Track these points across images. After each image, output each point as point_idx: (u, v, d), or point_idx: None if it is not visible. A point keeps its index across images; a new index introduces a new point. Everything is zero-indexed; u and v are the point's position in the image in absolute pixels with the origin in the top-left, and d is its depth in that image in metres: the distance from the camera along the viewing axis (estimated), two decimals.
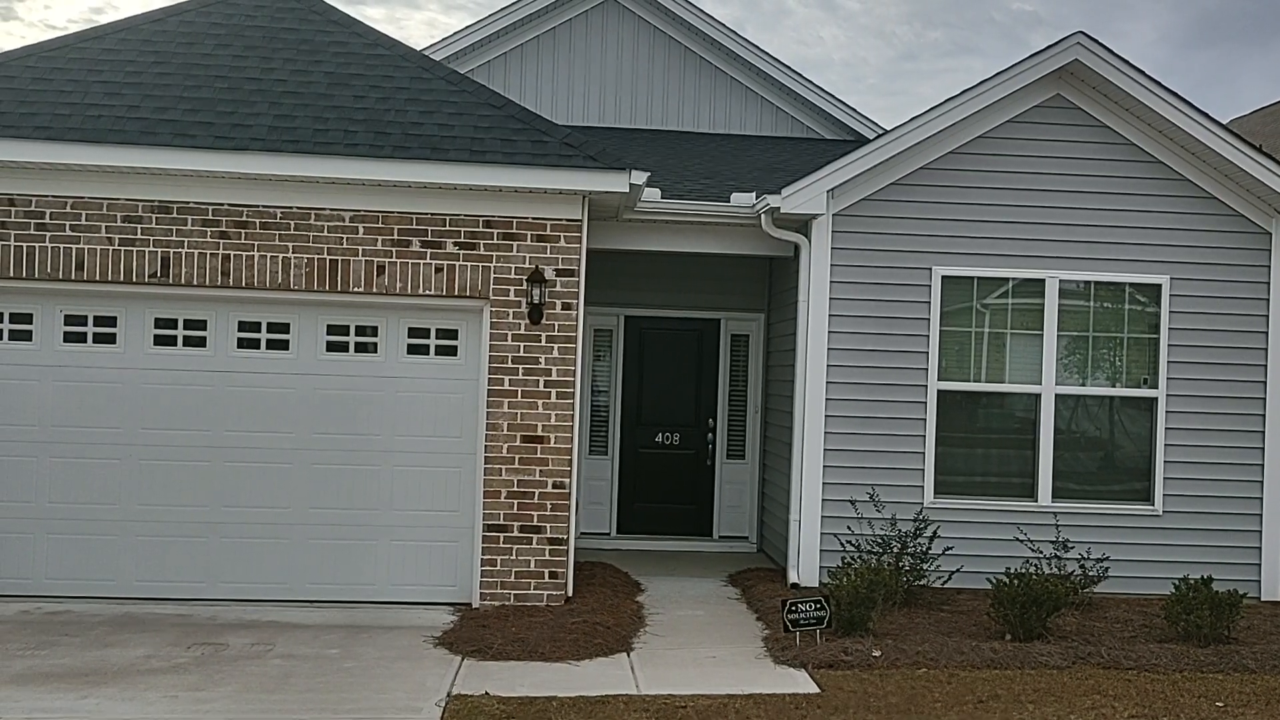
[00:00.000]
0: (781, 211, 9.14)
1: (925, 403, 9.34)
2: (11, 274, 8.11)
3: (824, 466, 9.29)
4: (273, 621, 7.79)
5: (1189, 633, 7.68)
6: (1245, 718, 6.32)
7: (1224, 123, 9.50)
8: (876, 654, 7.19)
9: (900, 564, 8.61)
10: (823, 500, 9.26)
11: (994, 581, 7.92)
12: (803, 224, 9.39)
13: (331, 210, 8.33)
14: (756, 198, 9.43)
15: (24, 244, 8.12)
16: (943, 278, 9.37)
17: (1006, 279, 9.46)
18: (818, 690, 6.60)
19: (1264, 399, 9.43)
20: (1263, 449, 9.41)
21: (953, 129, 9.30)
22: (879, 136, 9.73)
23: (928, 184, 9.42)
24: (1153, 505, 9.44)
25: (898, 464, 9.33)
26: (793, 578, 9.26)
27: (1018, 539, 9.10)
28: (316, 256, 8.31)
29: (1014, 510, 9.34)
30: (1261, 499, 9.41)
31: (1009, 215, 9.43)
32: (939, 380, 9.37)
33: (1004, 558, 8.82)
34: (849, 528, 9.08)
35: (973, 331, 9.47)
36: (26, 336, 8.32)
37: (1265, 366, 9.44)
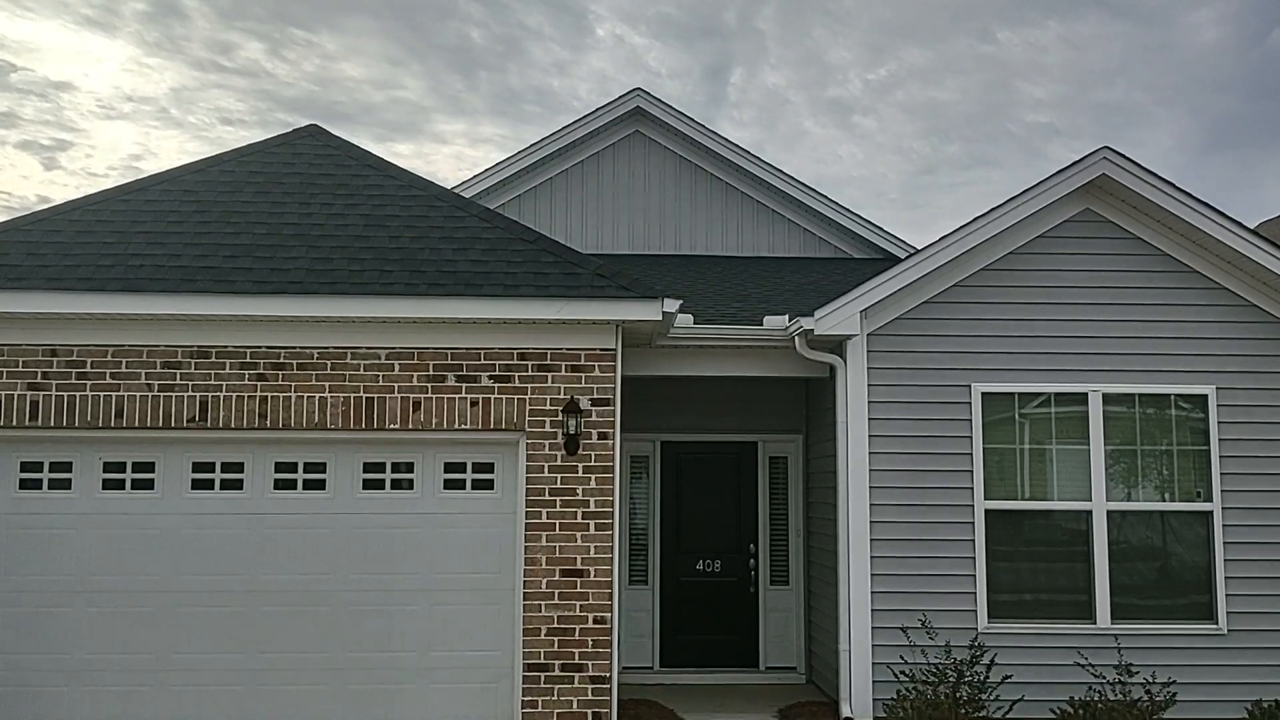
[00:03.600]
0: (815, 333, 9.11)
1: (973, 523, 9.11)
2: (53, 423, 8.18)
3: (872, 592, 9.02)
4: None
5: None
6: None
7: (1252, 229, 9.44)
8: None
9: (958, 694, 8.26)
10: (873, 628, 8.97)
11: (1057, 711, 7.57)
12: (837, 344, 9.35)
13: (367, 349, 8.39)
14: (789, 320, 9.42)
15: (65, 393, 8.21)
16: (983, 394, 9.25)
17: (1048, 393, 9.32)
18: None
19: None
20: None
21: (983, 246, 9.30)
22: (910, 256, 9.74)
23: (962, 300, 9.38)
24: (1216, 624, 9.07)
25: (948, 588, 9.05)
26: (845, 711, 8.90)
27: (1078, 664, 8.73)
28: (353, 395, 8.33)
29: (1072, 634, 8.99)
30: None
31: (1046, 330, 9.35)
32: (985, 499, 9.15)
33: (1066, 685, 8.47)
34: (902, 656, 8.76)
35: (1017, 448, 9.29)
36: (66, 485, 8.33)
37: None
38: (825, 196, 13.33)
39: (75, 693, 8.13)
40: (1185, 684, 8.69)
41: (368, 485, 8.47)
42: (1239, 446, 9.22)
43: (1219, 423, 9.24)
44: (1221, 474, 9.19)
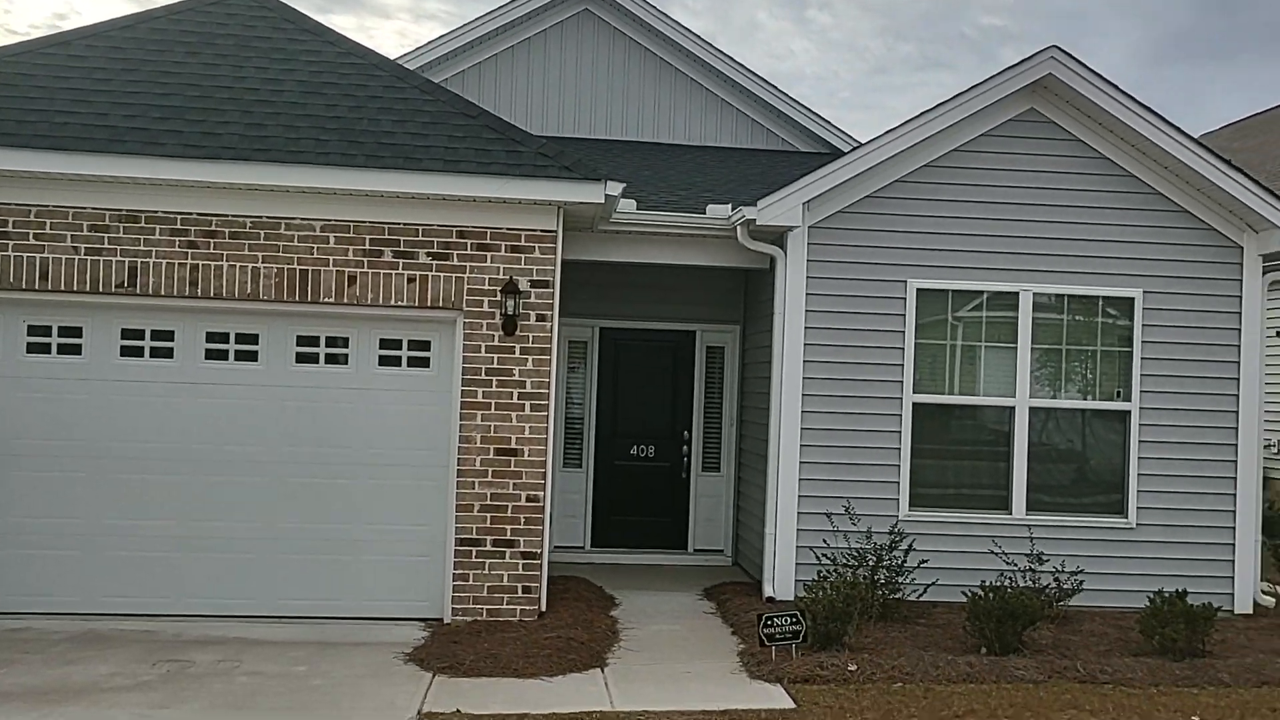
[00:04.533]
0: (757, 224, 9.11)
1: (900, 415, 9.33)
2: None
3: (799, 479, 9.24)
4: (240, 638, 7.64)
5: (1164, 646, 7.67)
6: None
7: (1195, 137, 9.56)
8: (852, 668, 7.13)
9: (876, 577, 8.57)
10: (798, 514, 9.22)
11: (969, 595, 7.89)
12: (778, 236, 9.37)
13: (302, 220, 8.22)
14: (732, 210, 9.40)
15: None
16: (918, 290, 9.37)
17: (981, 291, 9.47)
18: (793, 705, 6.53)
19: (1236, 412, 9.47)
20: (1235, 462, 9.45)
21: (927, 142, 9.31)
22: (854, 150, 9.73)
23: (903, 197, 9.42)
24: (1126, 519, 9.46)
25: (873, 477, 9.30)
26: (768, 591, 9.20)
27: (993, 552, 9.09)
28: (287, 266, 8.20)
29: (989, 523, 9.33)
30: (1234, 511, 9.44)
31: (983, 229, 9.45)
32: (914, 393, 9.36)
33: (979, 570, 8.81)
34: (825, 541, 9.04)
35: (948, 344, 9.47)
36: None
37: (1237, 380, 9.49)
38: (776, 88, 13.20)
39: (3, 555, 8.09)
40: (1094, 574, 9.12)
41: (301, 359, 8.41)
42: (1160, 349, 9.49)
43: (1143, 325, 9.48)
44: (1142, 375, 9.47)
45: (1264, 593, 9.57)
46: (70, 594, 8.10)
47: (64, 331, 8.21)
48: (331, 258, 8.24)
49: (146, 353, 8.28)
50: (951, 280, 9.41)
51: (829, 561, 8.72)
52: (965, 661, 7.34)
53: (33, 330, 8.19)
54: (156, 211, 8.10)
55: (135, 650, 7.25)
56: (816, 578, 8.25)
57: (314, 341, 8.41)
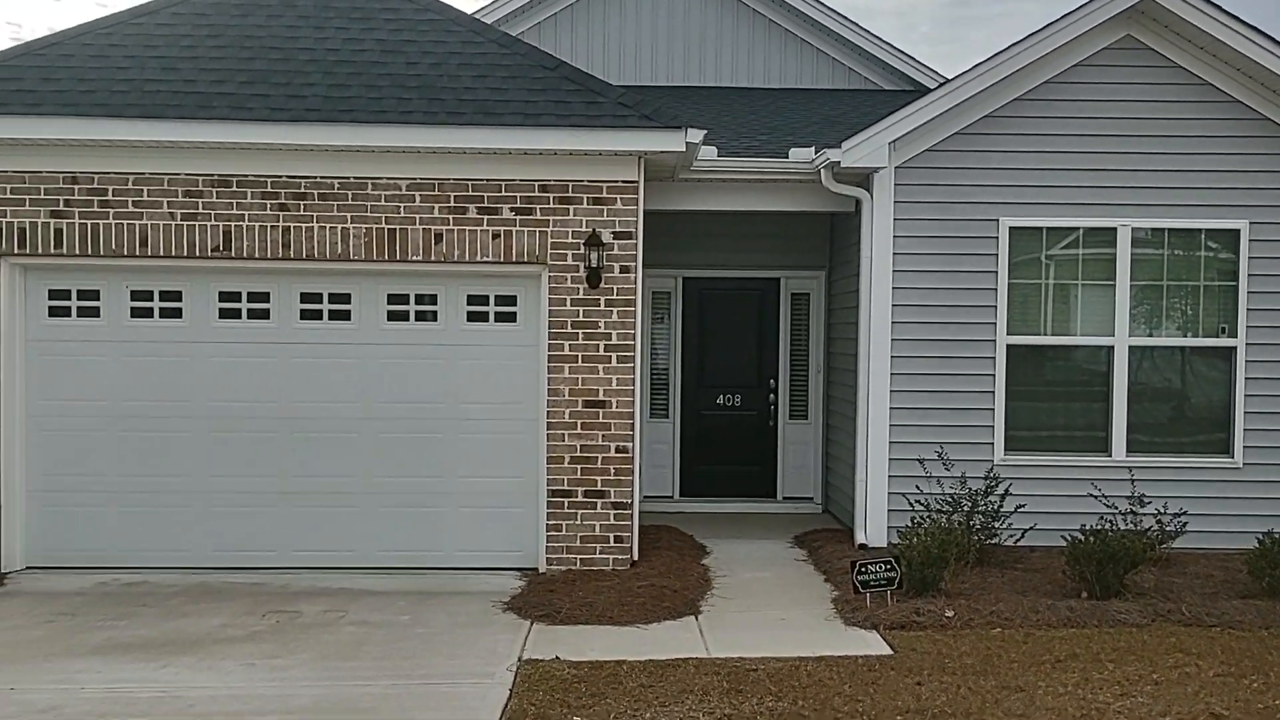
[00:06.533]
0: (842, 166, 8.93)
1: (994, 358, 9.13)
2: (77, 251, 8.21)
3: (890, 425, 9.13)
4: (344, 589, 7.87)
5: (1274, 588, 7.45)
6: None
7: None
8: (950, 614, 7.07)
9: (971, 522, 8.45)
10: (889, 459, 9.12)
11: (1068, 539, 7.75)
12: (864, 178, 9.18)
13: (388, 179, 8.31)
14: (816, 152, 9.23)
15: (88, 221, 8.21)
16: (1010, 229, 9.12)
17: (1076, 228, 9.18)
18: (890, 652, 6.51)
19: None
20: None
21: (1018, 75, 9.00)
22: (941, 85, 9.45)
23: (993, 133, 9.14)
24: (1232, 458, 9.16)
25: (966, 421, 9.14)
26: (860, 538, 9.15)
27: (1092, 495, 8.89)
28: (375, 226, 8.30)
29: (1087, 465, 9.12)
30: None
31: (1079, 163, 9.13)
32: (1008, 334, 9.14)
33: (1078, 514, 8.63)
34: (917, 487, 8.94)
35: (1042, 283, 9.21)
36: (94, 313, 8.44)
37: None
38: (856, 24, 12.87)
39: (112, 514, 8.44)
40: (1197, 515, 8.87)
41: (392, 316, 8.54)
42: (1267, 283, 9.11)
43: (1249, 258, 9.11)
44: (1248, 310, 9.11)
45: None
46: (181, 549, 8.43)
47: (164, 296, 8.46)
48: (418, 216, 8.31)
49: (244, 314, 8.49)
50: (1046, 217, 9.13)
51: (922, 507, 8.63)
52: (1065, 606, 7.23)
53: (135, 295, 8.45)
54: (247, 175, 8.25)
55: (245, 602, 7.52)
56: (910, 524, 8.16)
57: (403, 299, 8.53)
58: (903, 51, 12.94)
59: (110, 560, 8.38)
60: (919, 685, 5.91)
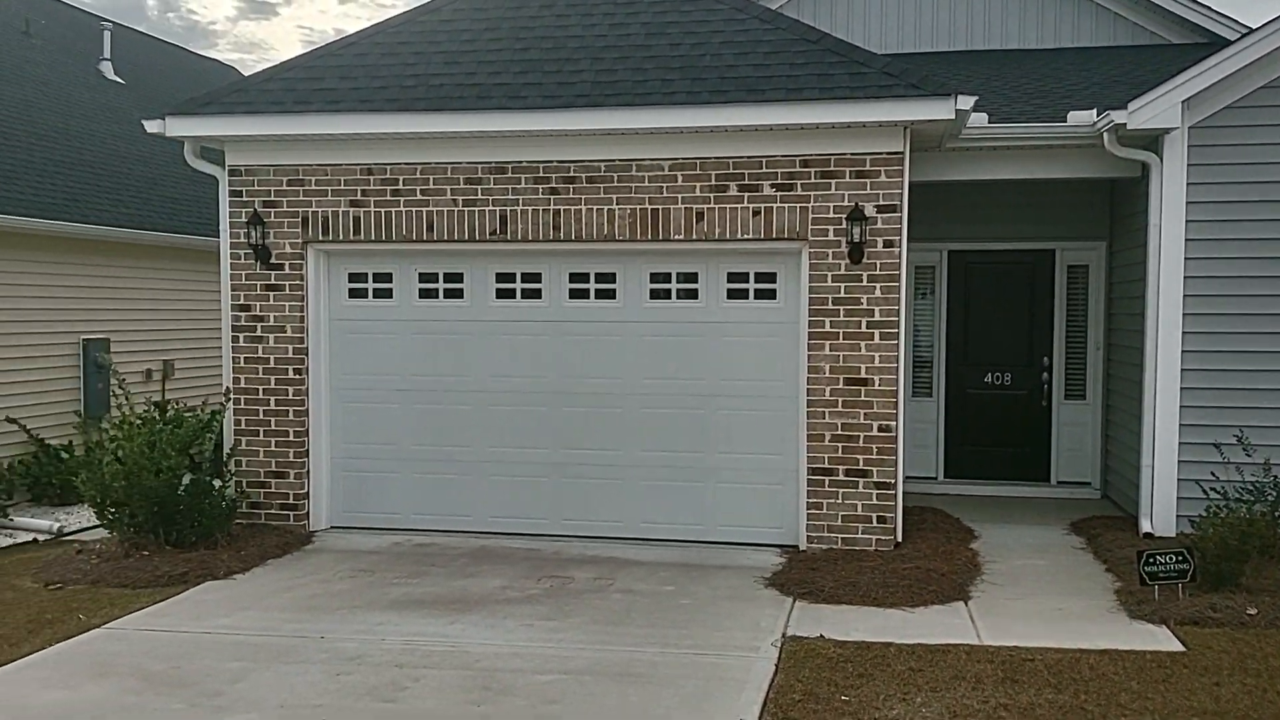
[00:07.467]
0: (1128, 128, 8.32)
1: None
2: (373, 237, 8.90)
3: (1180, 407, 8.46)
4: (611, 558, 8.17)
5: None
6: None
7: None
8: (1252, 612, 6.50)
9: (1277, 514, 7.71)
10: (1180, 444, 8.46)
11: None
12: (1152, 141, 8.52)
13: (651, 160, 8.48)
14: (1098, 114, 8.64)
15: (382, 209, 8.87)
16: None
17: None
18: (1182, 648, 6.06)
19: None
20: None
21: None
22: (1243, 36, 8.60)
23: None
24: None
25: (1271, 403, 8.34)
26: (1145, 527, 8.55)
27: None
28: (638, 206, 8.50)
29: None
30: None
31: None
32: None
33: None
34: (1212, 473, 8.25)
35: None
36: (387, 294, 9.13)
37: None
38: None
39: (402, 478, 9.13)
40: None
41: (654, 295, 8.74)
42: None
43: None
44: None
45: None
46: (463, 513, 9.01)
47: (448, 277, 9.04)
48: (680, 195, 8.45)
49: (518, 294, 8.94)
50: None
51: (1218, 495, 7.96)
52: None
53: (423, 277, 9.07)
54: (521, 161, 8.65)
55: (521, 566, 7.95)
56: (1206, 513, 7.54)
57: (665, 278, 8.71)
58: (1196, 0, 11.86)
59: (400, 523, 9.08)
60: (1217, 685, 5.47)
